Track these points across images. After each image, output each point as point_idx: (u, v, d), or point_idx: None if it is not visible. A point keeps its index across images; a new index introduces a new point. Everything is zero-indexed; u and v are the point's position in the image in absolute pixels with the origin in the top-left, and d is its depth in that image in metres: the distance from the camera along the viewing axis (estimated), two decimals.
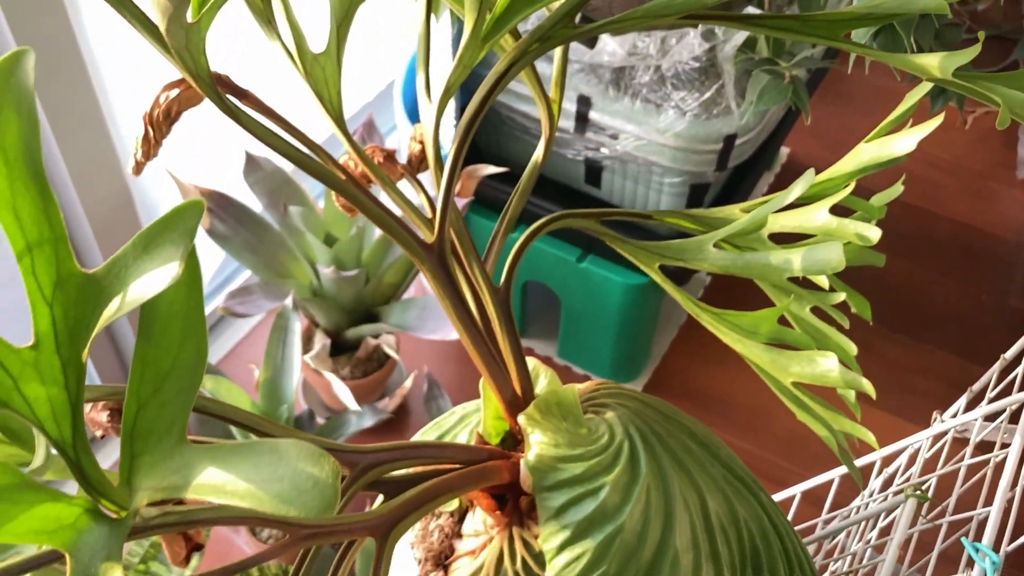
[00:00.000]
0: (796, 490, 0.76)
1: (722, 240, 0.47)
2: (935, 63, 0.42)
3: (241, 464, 0.21)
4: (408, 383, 1.22)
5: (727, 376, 1.51)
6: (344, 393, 1.06)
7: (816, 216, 0.47)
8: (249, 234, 1.14)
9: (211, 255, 1.35)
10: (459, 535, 0.50)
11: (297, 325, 1.04)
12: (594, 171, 1.29)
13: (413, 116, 1.35)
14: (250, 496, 0.20)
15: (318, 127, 0.53)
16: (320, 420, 1.24)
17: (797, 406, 0.51)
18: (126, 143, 1.14)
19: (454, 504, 0.50)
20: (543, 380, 0.49)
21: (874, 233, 0.44)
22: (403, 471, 0.44)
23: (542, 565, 0.44)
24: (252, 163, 1.14)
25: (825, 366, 0.45)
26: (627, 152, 1.19)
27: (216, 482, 0.21)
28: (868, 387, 0.45)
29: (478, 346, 0.45)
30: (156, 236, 0.20)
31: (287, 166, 1.21)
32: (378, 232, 1.19)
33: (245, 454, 0.21)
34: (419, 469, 0.44)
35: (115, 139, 1.12)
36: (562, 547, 0.43)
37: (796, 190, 0.47)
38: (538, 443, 0.44)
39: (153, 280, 0.19)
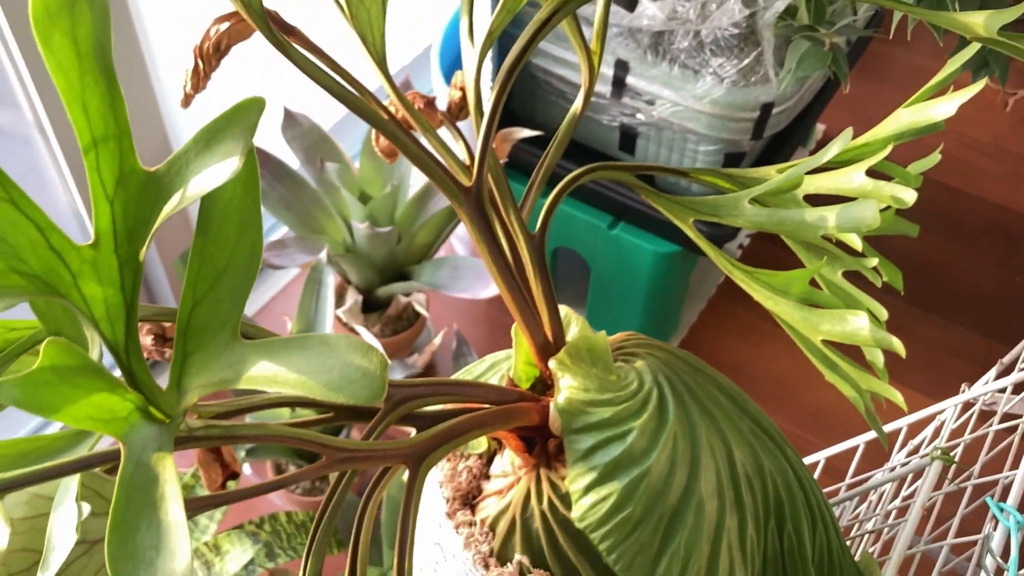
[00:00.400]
0: (820, 456, 0.76)
1: (757, 198, 0.47)
2: (980, 21, 0.42)
3: (292, 357, 0.22)
4: (437, 340, 1.23)
5: (754, 349, 1.51)
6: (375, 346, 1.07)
7: (852, 178, 0.47)
8: (285, 190, 1.15)
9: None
10: (487, 476, 0.51)
11: (330, 279, 1.05)
12: (629, 137, 1.29)
13: (450, 80, 1.35)
14: (301, 385, 0.21)
15: (361, 77, 0.53)
16: None
17: (826, 366, 0.51)
18: (167, 95, 1.15)
19: (483, 447, 0.51)
20: (574, 327, 0.49)
21: (909, 196, 0.44)
22: (435, 407, 0.45)
23: (568, 505, 0.45)
24: (290, 119, 1.15)
25: (856, 324, 0.46)
26: (663, 118, 1.18)
27: (268, 374, 0.22)
28: (898, 346, 0.45)
29: (512, 290, 0.46)
30: (218, 131, 0.20)
31: (324, 123, 1.22)
32: (412, 191, 1.20)
33: (296, 348, 0.22)
34: (450, 407, 0.45)
35: (157, 93, 1.13)
36: (588, 488, 0.43)
37: (833, 149, 0.48)
38: (568, 387, 0.45)
39: (213, 174, 0.20)
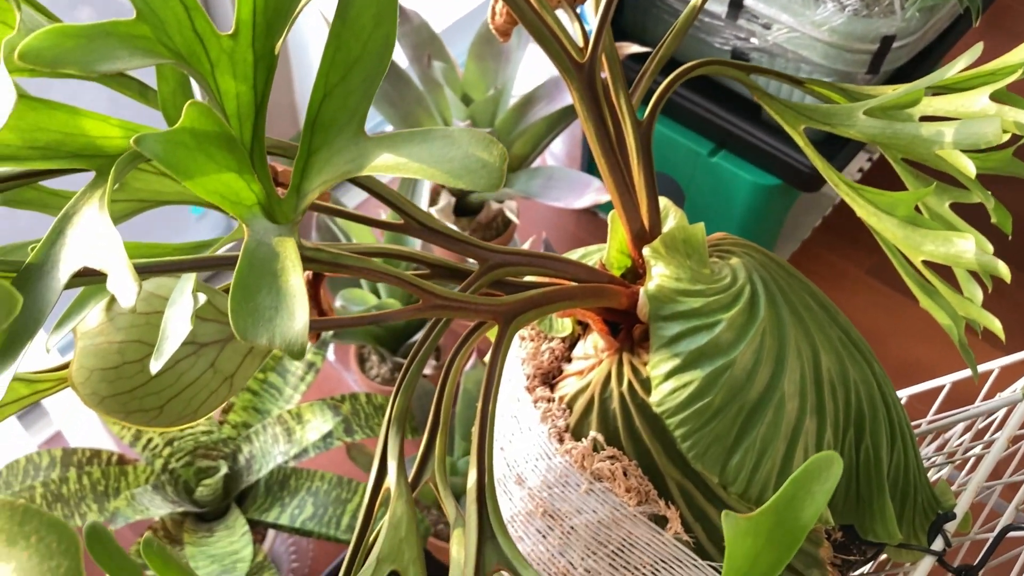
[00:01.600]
0: (904, 393, 0.75)
1: (871, 111, 0.46)
2: None
3: (415, 148, 0.22)
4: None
5: (841, 298, 1.48)
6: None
7: (975, 101, 0.45)
8: (390, 86, 1.16)
9: None
10: (567, 359, 0.52)
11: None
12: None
13: None
14: (423, 172, 0.22)
15: None
16: None
17: (923, 290, 0.50)
18: None
19: (566, 331, 0.52)
20: (672, 219, 0.49)
21: None
22: (527, 279, 0.46)
23: (647, 390, 0.45)
24: (402, 15, 1.16)
25: (961, 246, 0.45)
26: (777, 44, 1.15)
27: (391, 163, 0.22)
28: (1003, 270, 0.44)
29: (614, 173, 0.46)
30: None
31: (434, 23, 1.22)
32: (514, 99, 1.20)
33: (419, 140, 0.22)
34: (542, 279, 0.45)
35: None
36: (670, 374, 0.44)
37: (960, 63, 0.46)
38: (660, 275, 0.45)
39: None
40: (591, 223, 1.51)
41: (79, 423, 1.14)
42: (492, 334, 0.58)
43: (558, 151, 1.50)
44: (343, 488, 0.84)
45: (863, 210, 0.50)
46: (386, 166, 0.22)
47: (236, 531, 0.76)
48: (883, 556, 0.51)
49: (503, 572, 0.31)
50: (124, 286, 0.22)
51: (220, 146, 0.21)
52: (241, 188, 0.23)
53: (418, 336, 1.09)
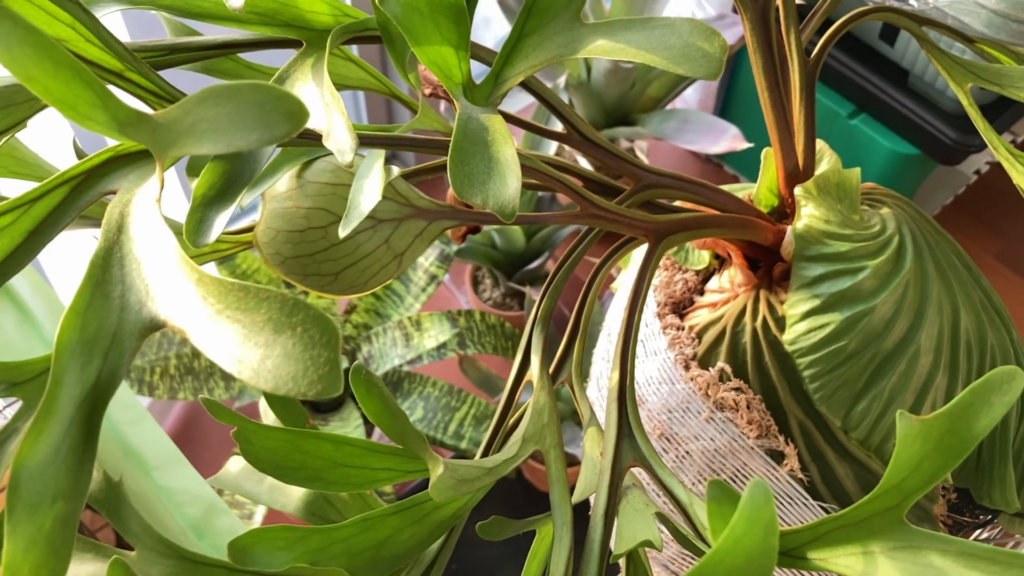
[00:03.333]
0: None
1: None
2: None
3: (633, 35, 0.23)
4: None
5: None
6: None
7: None
8: None
9: (496, 33, 1.39)
10: (700, 292, 0.53)
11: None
12: (893, 25, 1.22)
13: None
14: (641, 56, 0.23)
15: None
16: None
17: None
18: None
19: (702, 264, 0.53)
20: (826, 162, 0.49)
21: None
22: (677, 203, 0.47)
23: (781, 328, 0.46)
24: None
25: None
26: (937, 8, 1.10)
27: (607, 47, 0.23)
28: None
29: (775, 108, 0.46)
30: None
31: None
32: None
33: (638, 27, 0.23)
34: (689, 205, 0.46)
35: None
36: (807, 314, 0.44)
37: None
38: (809, 215, 0.45)
39: None
40: (714, 175, 1.49)
41: None
42: (625, 263, 0.59)
43: (690, 98, 1.48)
44: (452, 396, 0.87)
45: (1022, 177, 0.49)
46: (602, 50, 0.23)
47: (349, 424, 0.80)
48: (996, 523, 0.51)
49: (637, 468, 0.33)
50: (343, 143, 0.23)
51: (448, 17, 0.23)
52: (454, 64, 0.24)
53: (535, 263, 1.11)
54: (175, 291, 0.16)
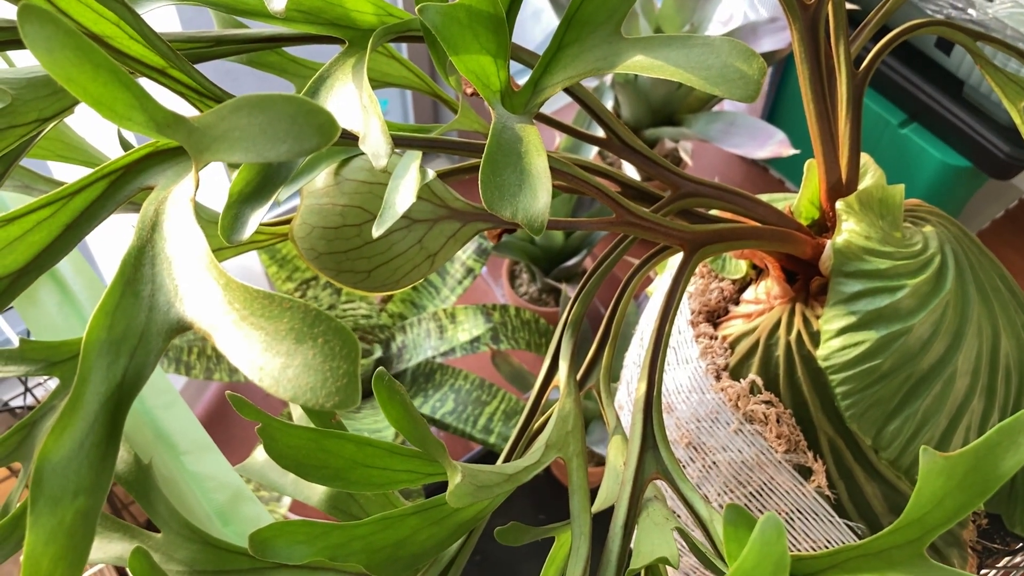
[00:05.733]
0: None
1: None
2: None
3: (672, 53, 0.23)
4: None
5: None
6: (631, 170, 1.09)
7: None
8: None
9: (546, 27, 1.39)
10: (735, 302, 0.52)
11: (607, 106, 1.06)
12: None
13: None
14: (678, 75, 0.23)
15: None
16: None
17: None
18: None
19: (739, 273, 0.52)
20: (870, 177, 0.48)
21: None
22: (714, 213, 0.46)
23: (815, 343, 0.45)
24: None
25: None
26: (996, 19, 1.08)
27: (644, 64, 0.23)
28: None
29: (820, 120, 0.45)
30: None
31: None
32: None
33: (678, 45, 0.23)
34: (727, 215, 0.46)
35: None
36: (843, 331, 0.44)
37: None
38: (850, 231, 0.45)
39: None
40: (760, 178, 1.47)
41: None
42: (661, 268, 0.59)
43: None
44: (484, 391, 0.87)
45: None
46: (639, 66, 0.23)
47: (380, 414, 0.81)
48: None
49: (659, 481, 0.33)
50: (378, 147, 0.23)
51: (487, 27, 0.23)
52: (492, 72, 0.24)
53: (573, 260, 1.10)
54: (203, 294, 0.17)
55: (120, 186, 0.21)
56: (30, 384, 0.69)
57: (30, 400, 0.69)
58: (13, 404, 0.70)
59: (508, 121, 0.24)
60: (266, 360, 0.15)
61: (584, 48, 0.24)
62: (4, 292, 0.18)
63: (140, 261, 0.18)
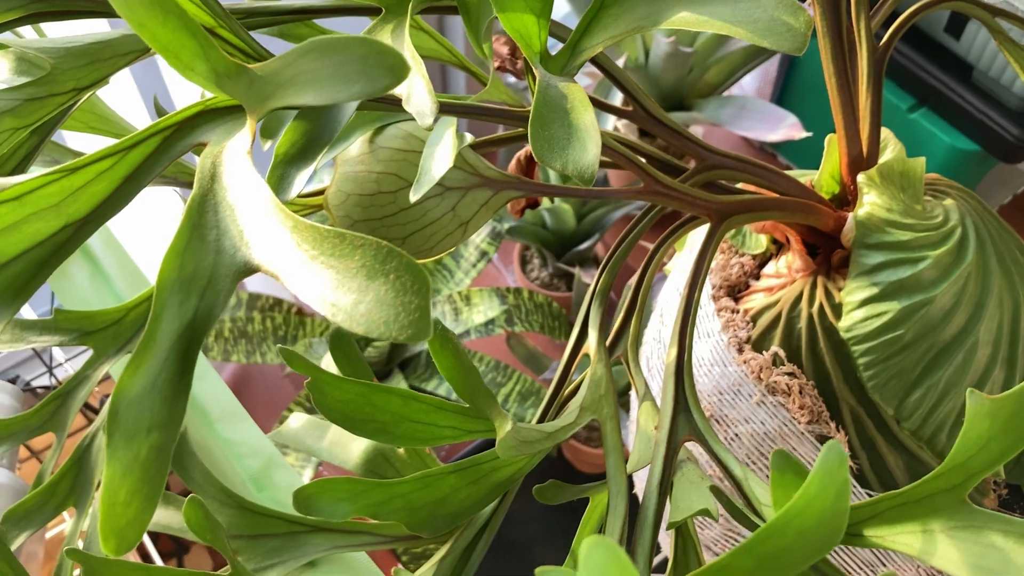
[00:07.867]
0: None
1: None
2: None
3: (717, 7, 0.23)
4: None
5: None
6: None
7: None
8: None
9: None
10: (756, 276, 0.52)
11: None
12: (959, 19, 1.20)
13: None
14: (725, 28, 0.23)
15: None
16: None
17: None
18: None
19: (760, 248, 0.52)
20: (890, 151, 0.49)
21: None
22: (739, 186, 0.47)
23: (838, 315, 0.46)
24: None
25: None
26: (1010, 3, 1.08)
27: (690, 19, 0.23)
28: None
29: (842, 93, 0.46)
30: None
31: None
32: None
33: (721, 0, 0.23)
34: (750, 188, 0.46)
35: None
36: (865, 302, 0.44)
37: None
38: (871, 203, 0.45)
39: None
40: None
41: (256, 277, 1.22)
42: (680, 245, 0.59)
43: (748, 85, 1.47)
44: (499, 372, 0.87)
45: None
46: (685, 21, 0.23)
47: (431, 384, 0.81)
48: None
49: (692, 443, 0.33)
50: (424, 106, 0.24)
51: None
52: (534, 33, 0.25)
53: (585, 244, 1.11)
54: (270, 237, 0.17)
55: (173, 142, 0.22)
56: (52, 365, 0.70)
57: (52, 381, 0.70)
58: (35, 384, 0.70)
59: (551, 80, 0.24)
60: (338, 296, 0.15)
61: (627, 6, 0.24)
62: (69, 240, 0.19)
63: (203, 208, 0.19)
